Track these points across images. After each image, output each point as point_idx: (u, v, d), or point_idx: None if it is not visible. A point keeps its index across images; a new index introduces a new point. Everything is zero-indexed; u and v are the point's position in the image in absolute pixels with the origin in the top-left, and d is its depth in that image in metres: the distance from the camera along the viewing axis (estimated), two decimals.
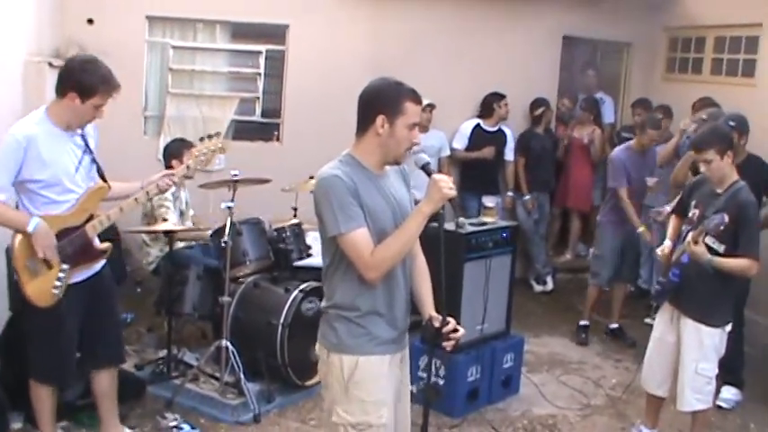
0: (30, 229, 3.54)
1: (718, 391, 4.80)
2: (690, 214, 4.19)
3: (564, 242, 8.24)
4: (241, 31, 7.09)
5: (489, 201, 5.94)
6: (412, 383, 3.11)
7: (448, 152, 7.30)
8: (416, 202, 2.86)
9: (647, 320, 6.32)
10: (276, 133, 7.16)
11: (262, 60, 7.02)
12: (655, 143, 6.15)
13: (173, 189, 4.50)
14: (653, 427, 4.54)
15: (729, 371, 4.87)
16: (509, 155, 7.45)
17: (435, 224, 2.80)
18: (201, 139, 4.15)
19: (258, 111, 7.10)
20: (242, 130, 7.15)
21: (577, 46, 8.19)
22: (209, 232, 5.15)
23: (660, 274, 4.42)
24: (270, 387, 4.81)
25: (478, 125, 7.34)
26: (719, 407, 5.01)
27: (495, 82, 7.33)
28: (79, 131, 3.71)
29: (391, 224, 2.79)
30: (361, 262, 2.72)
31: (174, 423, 4.40)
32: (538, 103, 7.49)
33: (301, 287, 4.94)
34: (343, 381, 2.82)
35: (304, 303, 4.88)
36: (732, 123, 4.74)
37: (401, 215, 2.83)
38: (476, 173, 7.28)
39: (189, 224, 5.46)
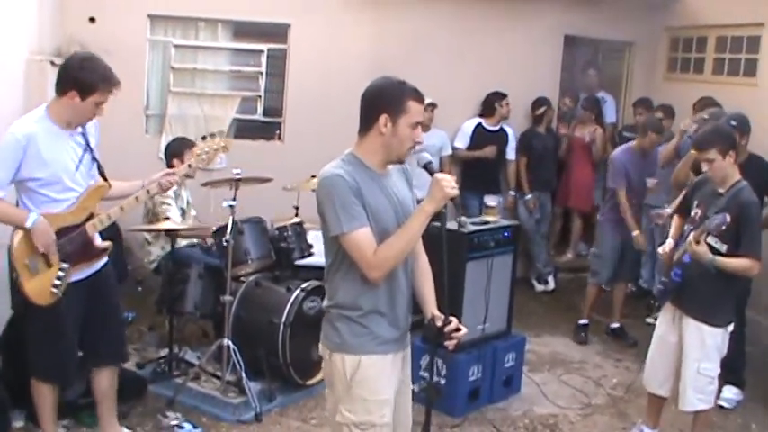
0: (28, 224, 3.53)
1: (719, 391, 4.79)
2: (692, 214, 4.20)
3: (565, 241, 8.23)
4: (243, 30, 7.09)
5: (491, 200, 5.95)
6: (413, 383, 3.11)
7: (449, 151, 7.29)
8: (418, 202, 2.85)
9: (648, 320, 6.32)
10: (278, 132, 7.16)
11: (263, 59, 7.01)
12: (656, 146, 6.14)
13: (174, 188, 4.50)
14: (654, 426, 4.53)
15: (731, 371, 4.86)
16: (510, 154, 7.45)
17: (437, 224, 2.80)
18: (203, 138, 4.15)
19: (260, 110, 7.09)
20: (243, 129, 7.14)
21: (579, 45, 8.19)
22: (212, 231, 5.15)
23: (662, 274, 4.42)
24: (271, 386, 4.81)
25: (480, 124, 7.33)
26: (721, 407, 5.01)
27: (497, 81, 7.32)
28: (80, 130, 3.70)
29: (394, 223, 2.79)
30: (364, 261, 2.71)
31: (175, 422, 4.40)
32: (539, 102, 7.48)
33: (303, 286, 4.94)
34: (346, 380, 2.82)
35: (306, 302, 4.88)
36: (733, 123, 4.73)
37: (404, 214, 2.82)
38: (477, 172, 7.27)
39: (190, 223, 5.46)
